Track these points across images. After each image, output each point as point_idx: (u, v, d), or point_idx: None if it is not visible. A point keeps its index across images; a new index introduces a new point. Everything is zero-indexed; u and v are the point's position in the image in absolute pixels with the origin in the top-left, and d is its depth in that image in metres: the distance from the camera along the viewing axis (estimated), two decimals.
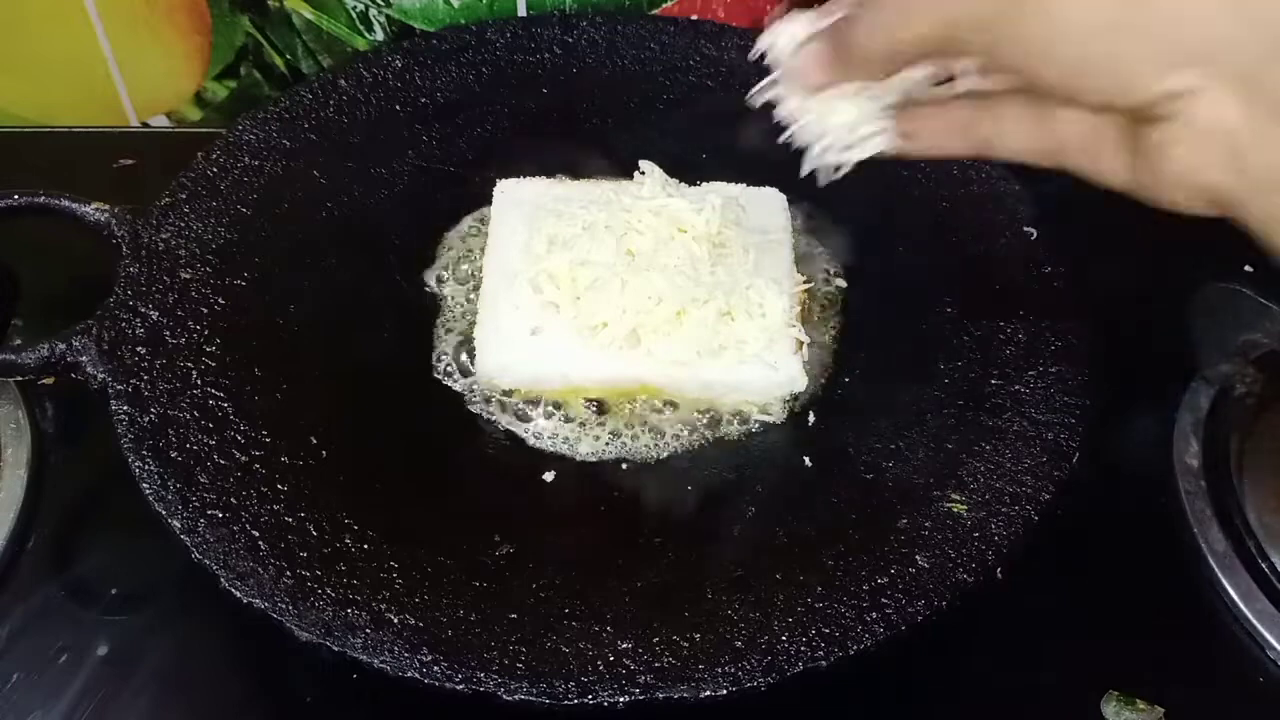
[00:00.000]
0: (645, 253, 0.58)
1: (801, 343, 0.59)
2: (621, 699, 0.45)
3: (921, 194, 0.66)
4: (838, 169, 0.47)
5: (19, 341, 0.64)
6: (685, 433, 0.58)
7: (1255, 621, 0.55)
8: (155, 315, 0.56)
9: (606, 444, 0.58)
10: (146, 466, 0.50)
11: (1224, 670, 0.54)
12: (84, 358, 0.54)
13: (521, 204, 0.64)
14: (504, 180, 0.66)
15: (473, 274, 0.65)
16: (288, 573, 0.48)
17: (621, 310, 0.58)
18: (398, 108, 0.71)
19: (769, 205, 0.65)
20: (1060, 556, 0.55)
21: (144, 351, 0.55)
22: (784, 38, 0.44)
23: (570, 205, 0.62)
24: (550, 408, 0.59)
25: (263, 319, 0.59)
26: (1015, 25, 0.34)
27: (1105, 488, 0.58)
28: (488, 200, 0.66)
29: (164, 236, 0.60)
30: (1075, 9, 0.33)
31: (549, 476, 0.56)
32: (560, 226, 0.61)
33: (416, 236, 0.66)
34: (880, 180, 0.66)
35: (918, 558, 0.50)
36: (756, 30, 0.46)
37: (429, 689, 0.45)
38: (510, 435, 0.58)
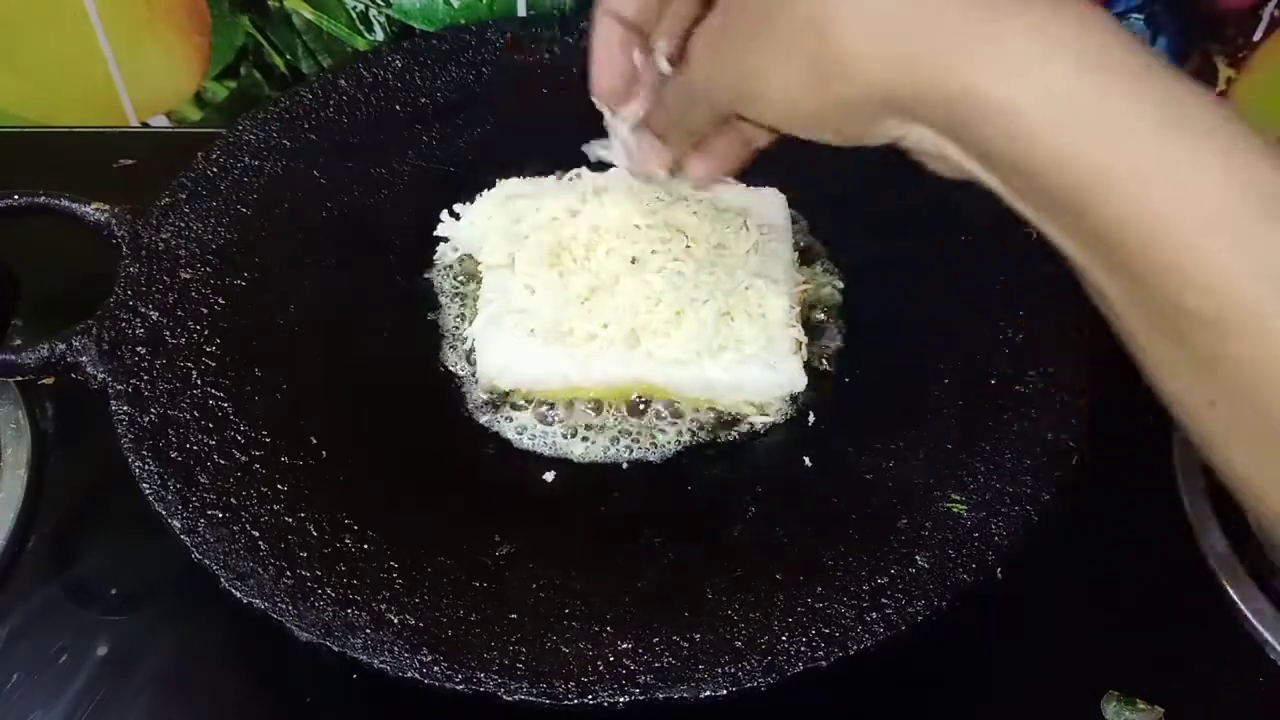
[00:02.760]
0: (644, 254, 0.58)
1: (801, 343, 0.59)
2: (621, 699, 0.45)
3: (921, 194, 0.66)
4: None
5: (19, 341, 0.64)
6: (685, 433, 0.58)
7: (1255, 621, 0.55)
8: (155, 315, 0.56)
9: (606, 444, 0.58)
10: (146, 466, 0.50)
11: (1224, 670, 0.54)
12: (84, 358, 0.54)
13: (521, 204, 0.64)
14: (504, 180, 0.66)
15: (473, 274, 0.65)
16: (288, 573, 0.48)
17: (621, 311, 0.58)
18: (398, 108, 0.71)
19: (769, 205, 0.65)
20: (1060, 556, 0.55)
21: (144, 351, 0.55)
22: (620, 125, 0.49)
23: (570, 205, 0.62)
24: (550, 408, 0.59)
25: (263, 319, 0.59)
26: (758, 106, 0.40)
27: (1105, 488, 0.58)
28: None
29: (164, 236, 0.60)
30: (787, 96, 0.38)
31: (549, 477, 0.56)
32: (559, 227, 0.61)
33: (416, 236, 0.66)
34: (880, 180, 0.66)
35: (918, 558, 0.50)
36: None
37: (429, 689, 0.45)
38: (510, 436, 0.58)
